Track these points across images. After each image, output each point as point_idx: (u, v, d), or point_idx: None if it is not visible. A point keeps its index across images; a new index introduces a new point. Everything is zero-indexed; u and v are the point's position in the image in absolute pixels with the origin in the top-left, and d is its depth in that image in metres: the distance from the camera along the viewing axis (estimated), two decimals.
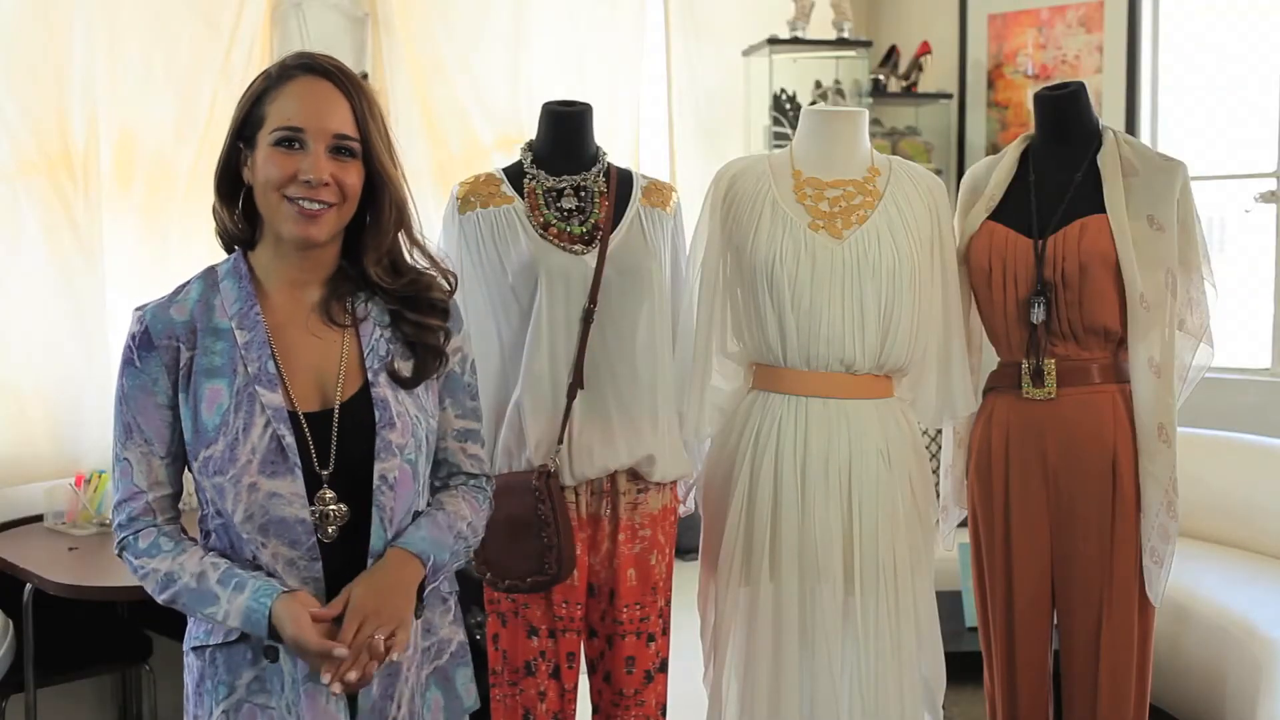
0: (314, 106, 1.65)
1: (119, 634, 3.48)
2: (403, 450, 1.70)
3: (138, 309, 1.71)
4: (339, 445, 1.68)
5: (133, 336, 1.69)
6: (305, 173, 1.64)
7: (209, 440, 1.64)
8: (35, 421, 3.58)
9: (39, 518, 3.52)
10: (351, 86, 1.68)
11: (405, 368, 1.74)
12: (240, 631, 1.66)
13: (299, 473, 1.64)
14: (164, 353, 1.67)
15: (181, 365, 1.67)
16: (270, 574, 1.65)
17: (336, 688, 1.59)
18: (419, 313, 1.76)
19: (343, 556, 1.67)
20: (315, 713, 1.64)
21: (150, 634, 3.46)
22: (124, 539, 1.70)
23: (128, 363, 1.68)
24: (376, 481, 1.68)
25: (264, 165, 1.66)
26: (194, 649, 1.72)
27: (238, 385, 1.65)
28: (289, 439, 1.64)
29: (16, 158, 3.50)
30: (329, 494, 1.66)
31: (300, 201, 1.65)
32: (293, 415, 1.66)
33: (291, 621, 1.59)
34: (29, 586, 3.10)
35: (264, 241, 1.73)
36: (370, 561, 1.68)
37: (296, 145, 1.65)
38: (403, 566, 1.70)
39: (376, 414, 1.69)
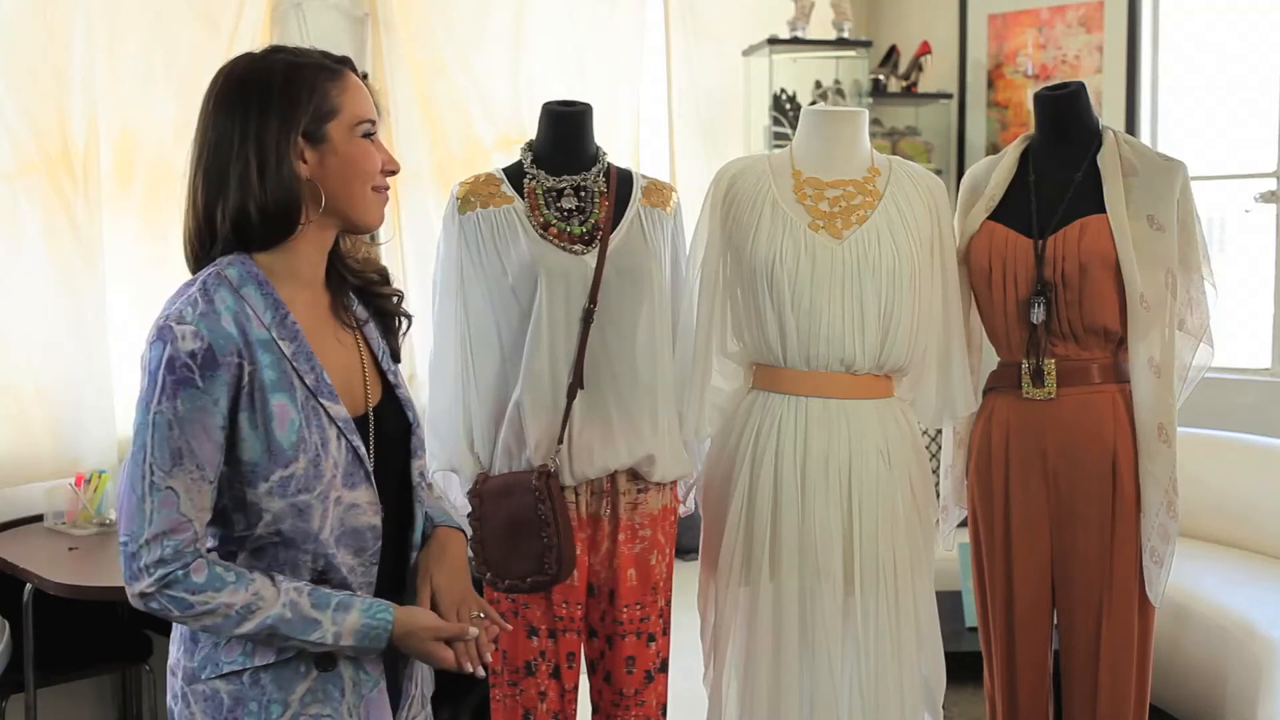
0: (371, 103, 1.68)
1: (119, 634, 3.48)
2: (424, 445, 1.79)
3: (180, 324, 1.54)
4: (376, 448, 1.69)
5: (192, 354, 1.52)
6: (390, 163, 1.67)
7: (287, 459, 1.57)
8: (35, 421, 3.58)
9: (39, 518, 3.51)
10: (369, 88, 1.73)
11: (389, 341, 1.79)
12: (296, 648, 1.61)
13: (372, 481, 1.65)
14: (228, 370, 1.54)
15: (244, 382, 1.55)
16: (342, 584, 1.64)
17: (480, 670, 1.65)
18: (377, 284, 1.78)
19: (389, 557, 1.70)
20: (380, 713, 1.67)
21: (150, 634, 3.46)
22: (170, 574, 1.54)
23: (184, 383, 1.52)
24: (416, 478, 1.74)
25: (360, 157, 1.64)
26: (224, 675, 1.61)
27: (300, 399, 1.59)
28: (363, 449, 1.64)
29: (16, 158, 3.49)
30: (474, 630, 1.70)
31: (380, 192, 1.68)
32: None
33: (427, 620, 1.64)
34: (29, 586, 3.10)
35: (295, 245, 1.63)
36: (413, 555, 1.74)
37: (373, 138, 1.67)
38: (457, 544, 1.78)
39: (410, 414, 1.75)
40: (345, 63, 1.69)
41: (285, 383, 1.58)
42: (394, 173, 1.69)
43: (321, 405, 1.60)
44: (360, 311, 1.75)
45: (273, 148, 1.58)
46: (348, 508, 1.62)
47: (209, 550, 1.62)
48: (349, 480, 1.62)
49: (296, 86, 1.60)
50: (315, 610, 1.57)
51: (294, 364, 1.59)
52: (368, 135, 1.66)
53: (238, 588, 1.55)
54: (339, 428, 1.61)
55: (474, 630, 1.65)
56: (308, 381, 1.60)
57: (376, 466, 1.67)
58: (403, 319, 1.81)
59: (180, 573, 1.54)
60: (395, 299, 1.80)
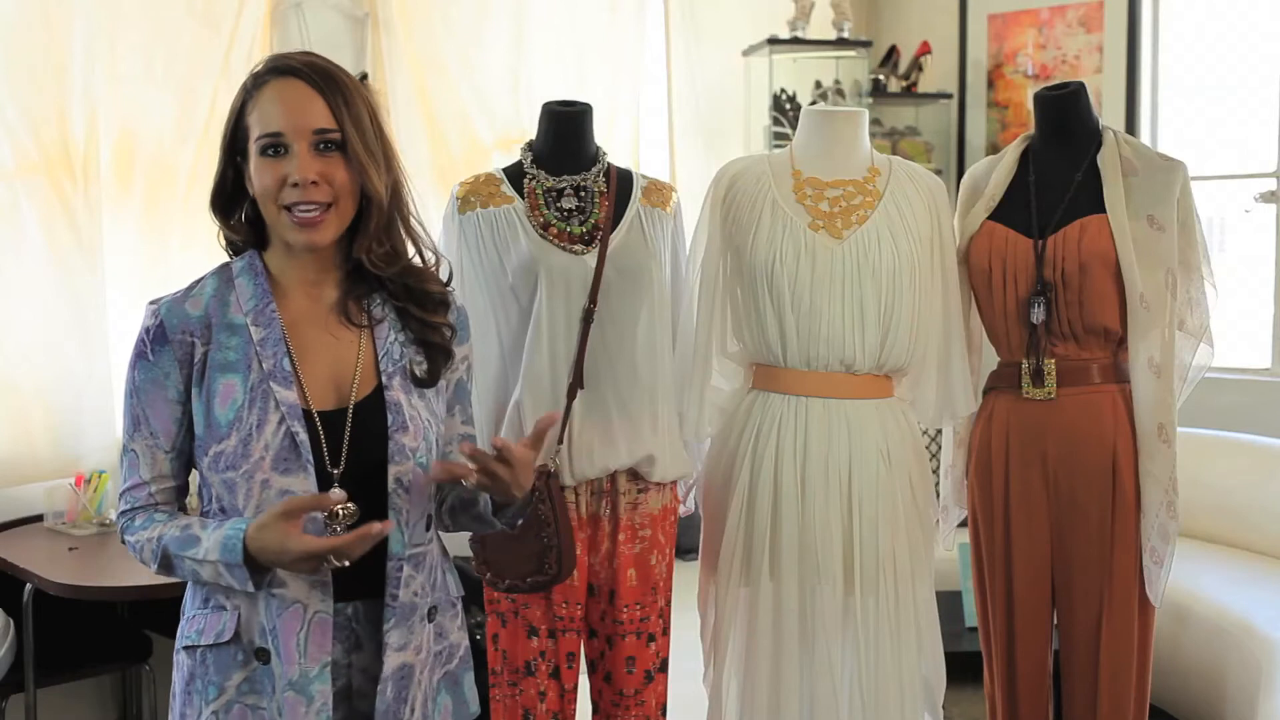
0: (289, 107, 1.65)
1: (119, 634, 3.48)
2: (415, 454, 1.71)
3: (152, 302, 1.71)
4: (351, 445, 1.68)
5: (146, 330, 1.68)
6: (292, 175, 1.64)
7: (221, 435, 1.65)
8: (35, 421, 3.58)
9: (39, 518, 3.52)
10: (322, 81, 1.67)
11: (419, 368, 1.75)
12: (231, 633, 1.66)
13: (311, 470, 1.64)
14: (177, 347, 1.67)
15: (195, 360, 1.67)
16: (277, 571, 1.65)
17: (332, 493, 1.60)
18: (424, 309, 1.76)
19: (357, 561, 1.65)
20: (294, 715, 1.64)
21: (150, 634, 3.46)
22: (123, 524, 1.72)
23: (140, 355, 1.68)
24: (392, 485, 1.69)
25: (256, 176, 1.67)
26: (185, 648, 1.72)
27: (252, 381, 1.66)
28: (302, 436, 1.64)
29: (16, 158, 3.49)
30: (339, 493, 1.66)
31: (295, 209, 1.65)
32: (306, 413, 1.67)
33: (277, 505, 1.57)
34: (29, 586, 3.10)
35: (274, 245, 1.74)
36: (390, 564, 1.69)
37: (281, 150, 1.65)
38: None
39: (389, 417, 1.70)
40: (279, 71, 1.67)
41: (242, 365, 1.67)
42: (300, 185, 1.63)
43: (271, 388, 1.65)
44: (378, 311, 1.75)
45: (220, 172, 1.73)
46: (279, 493, 1.63)
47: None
48: (281, 465, 1.64)
49: (231, 110, 1.71)
50: (200, 530, 1.64)
51: (258, 348, 1.67)
52: (269, 150, 1.65)
53: (160, 525, 1.68)
54: (283, 413, 1.65)
55: (338, 493, 1.59)
56: (265, 365, 1.66)
57: (349, 463, 1.67)
58: (449, 354, 1.78)
59: (128, 521, 1.72)
60: (444, 331, 1.77)
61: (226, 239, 1.77)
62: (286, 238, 1.68)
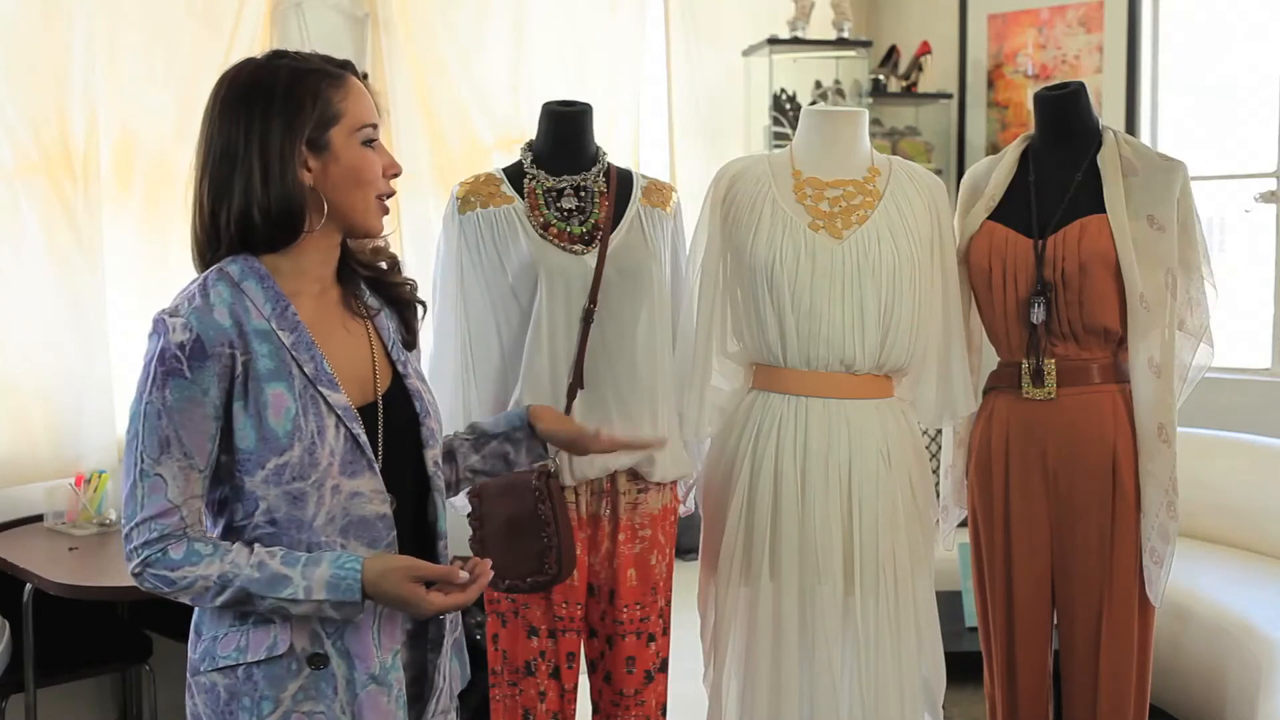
0: (373, 107, 1.70)
1: (119, 634, 3.48)
2: (437, 436, 1.76)
3: (173, 316, 1.60)
4: (384, 437, 1.70)
5: (180, 345, 1.57)
6: (393, 167, 1.70)
7: (282, 447, 1.59)
8: (35, 421, 3.58)
9: (39, 518, 3.51)
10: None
11: (400, 334, 1.79)
12: (286, 645, 1.62)
13: (376, 469, 1.66)
14: (218, 361, 1.58)
15: (237, 372, 1.59)
16: None
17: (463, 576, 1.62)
18: (382, 273, 1.79)
19: (408, 548, 1.69)
20: (378, 713, 1.65)
21: (150, 634, 3.46)
22: (150, 555, 1.59)
23: (173, 374, 1.57)
24: (431, 468, 1.74)
25: (361, 164, 1.66)
26: (221, 669, 1.64)
27: (298, 388, 1.61)
28: (364, 437, 1.64)
29: (16, 158, 3.49)
30: (465, 574, 1.66)
31: (383, 198, 1.70)
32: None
33: (401, 561, 1.60)
34: (29, 586, 3.10)
35: (296, 245, 1.66)
36: (439, 544, 1.74)
37: (374, 143, 1.69)
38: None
39: (416, 405, 1.74)
40: (347, 67, 1.70)
41: (283, 372, 1.61)
42: (396, 175, 1.71)
43: (320, 393, 1.62)
44: (372, 302, 1.77)
45: (276, 155, 1.61)
46: (349, 496, 1.63)
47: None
48: (348, 468, 1.63)
49: (300, 93, 1.63)
50: (285, 568, 1.59)
51: (293, 353, 1.62)
52: (369, 141, 1.67)
53: (213, 559, 1.59)
54: (338, 416, 1.63)
55: (464, 575, 1.60)
56: (306, 370, 1.62)
57: (386, 455, 1.68)
58: (418, 305, 1.82)
59: (158, 554, 1.59)
60: (408, 287, 1.81)
61: (266, 235, 1.64)
62: (369, 225, 1.69)
